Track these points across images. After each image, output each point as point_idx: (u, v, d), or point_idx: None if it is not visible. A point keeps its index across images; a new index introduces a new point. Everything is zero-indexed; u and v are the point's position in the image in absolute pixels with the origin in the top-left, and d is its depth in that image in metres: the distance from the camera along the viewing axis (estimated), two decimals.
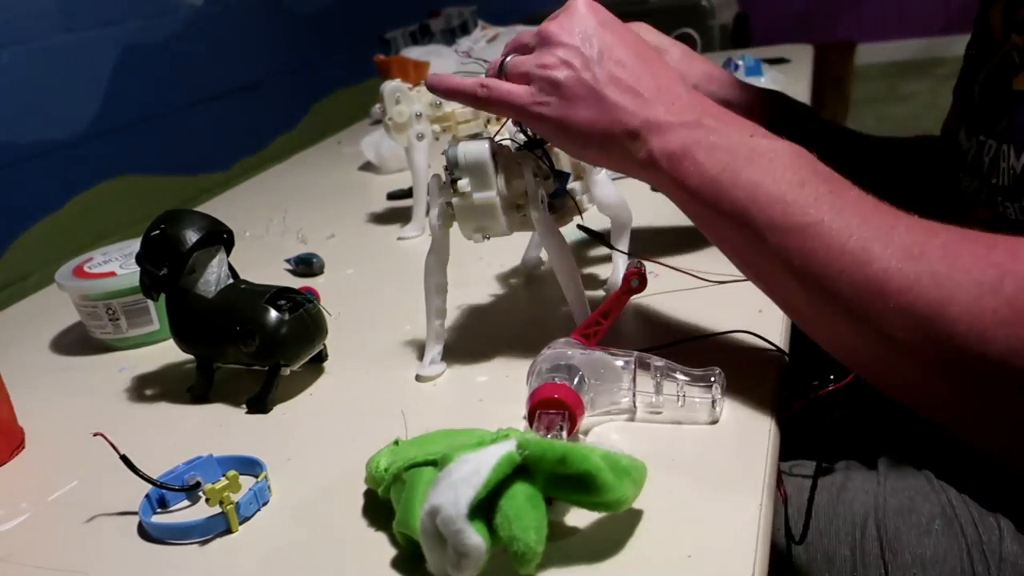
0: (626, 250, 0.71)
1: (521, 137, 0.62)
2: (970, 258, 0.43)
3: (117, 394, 0.71)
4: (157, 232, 0.64)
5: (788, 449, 0.58)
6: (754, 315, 0.62)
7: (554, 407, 0.49)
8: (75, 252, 0.90)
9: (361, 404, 0.63)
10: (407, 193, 1.07)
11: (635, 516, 0.44)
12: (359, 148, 1.31)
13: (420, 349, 0.66)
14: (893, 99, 3.80)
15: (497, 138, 0.61)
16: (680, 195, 0.53)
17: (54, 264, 0.87)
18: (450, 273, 0.64)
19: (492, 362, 0.64)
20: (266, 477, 0.53)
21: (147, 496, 0.52)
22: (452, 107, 0.92)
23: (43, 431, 0.67)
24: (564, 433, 0.48)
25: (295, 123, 1.92)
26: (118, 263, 0.79)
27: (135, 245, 0.74)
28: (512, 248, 0.79)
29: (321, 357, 0.68)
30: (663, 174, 0.52)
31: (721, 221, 0.51)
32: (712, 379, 0.52)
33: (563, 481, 0.40)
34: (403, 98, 0.95)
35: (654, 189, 0.56)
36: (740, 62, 1.40)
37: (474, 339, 0.69)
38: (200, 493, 0.52)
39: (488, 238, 0.62)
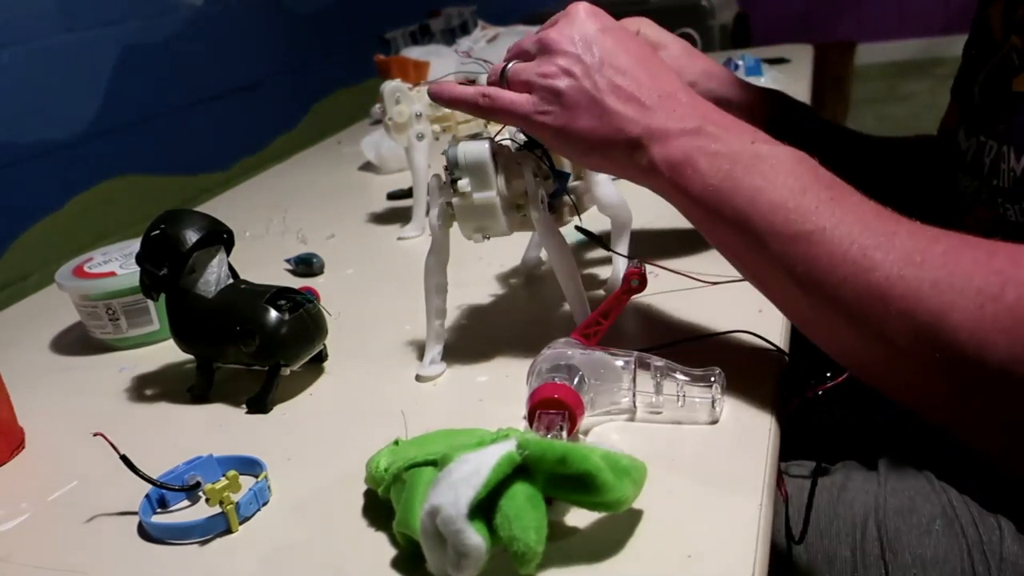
0: (626, 250, 0.71)
1: (521, 137, 0.62)
2: (971, 265, 0.43)
3: (117, 394, 0.71)
4: (157, 232, 0.64)
5: (788, 449, 0.58)
6: (754, 315, 0.62)
7: (554, 407, 0.49)
8: (75, 252, 0.90)
9: (361, 404, 0.63)
10: (407, 193, 1.07)
11: (635, 516, 0.44)
12: (359, 148, 1.31)
13: (420, 349, 0.66)
14: (893, 99, 3.80)
15: (497, 138, 0.61)
16: (682, 202, 0.53)
17: (54, 264, 0.87)
18: (450, 273, 0.64)
19: (492, 362, 0.64)
20: (266, 477, 0.53)
21: (147, 496, 0.52)
22: None
23: (43, 431, 0.67)
24: (564, 433, 0.48)
25: (295, 123, 1.92)
26: (118, 263, 0.79)
27: (135, 245, 0.74)
28: (512, 248, 0.79)
29: (321, 357, 0.68)
30: (665, 181, 0.53)
31: (723, 227, 0.51)
32: (712, 379, 0.52)
33: (563, 481, 0.40)
34: (403, 98, 0.95)
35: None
36: (740, 62, 1.40)
37: (474, 339, 0.69)
38: (200, 493, 0.52)
39: (488, 238, 0.62)
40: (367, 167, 1.32)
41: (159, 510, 0.53)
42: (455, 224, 0.62)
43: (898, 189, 0.61)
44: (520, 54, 0.58)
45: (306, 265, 0.90)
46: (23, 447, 0.65)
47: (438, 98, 0.60)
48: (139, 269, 0.66)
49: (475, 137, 0.60)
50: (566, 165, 0.65)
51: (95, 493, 0.57)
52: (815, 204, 0.47)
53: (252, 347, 0.62)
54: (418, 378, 0.64)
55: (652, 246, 0.80)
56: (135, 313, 0.77)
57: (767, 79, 1.37)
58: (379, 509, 0.48)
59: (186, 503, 0.54)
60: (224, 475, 0.49)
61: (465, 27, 2.18)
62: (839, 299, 0.46)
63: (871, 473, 0.63)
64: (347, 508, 0.50)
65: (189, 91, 1.60)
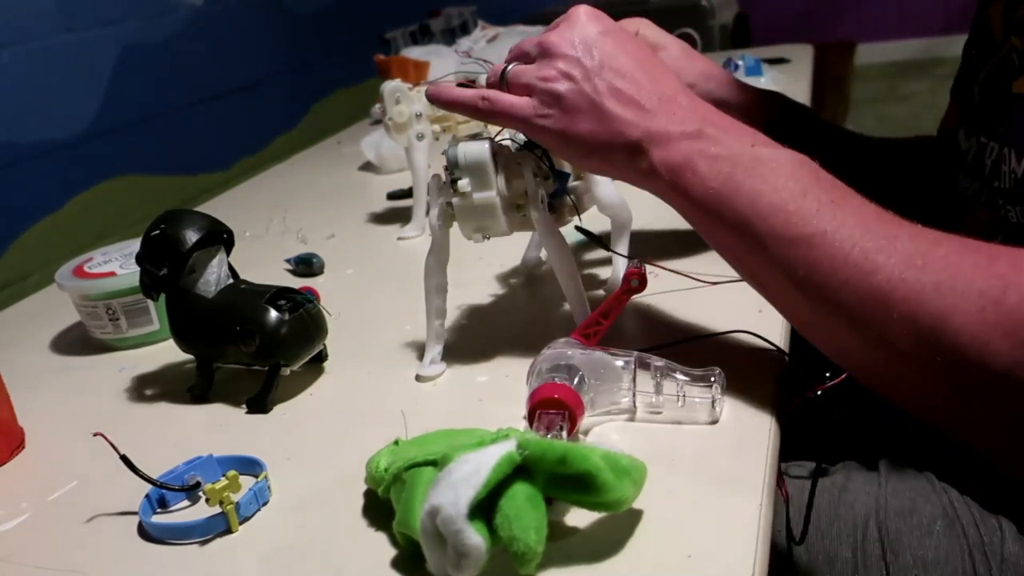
0: (626, 250, 0.71)
1: (521, 137, 0.62)
2: (973, 268, 0.43)
3: (117, 394, 0.71)
4: (157, 232, 0.64)
5: (788, 449, 0.58)
6: (754, 315, 0.62)
7: (554, 407, 0.49)
8: (75, 252, 0.90)
9: (361, 404, 0.63)
10: (407, 193, 1.07)
11: (635, 516, 0.44)
12: (359, 148, 1.31)
13: (420, 349, 0.66)
14: (893, 99, 3.80)
15: (497, 138, 0.61)
16: (682, 205, 0.53)
17: (54, 264, 0.87)
18: (450, 273, 0.64)
19: (492, 362, 0.64)
20: (266, 477, 0.53)
21: (147, 496, 0.52)
22: None
23: (43, 431, 0.67)
24: (564, 433, 0.48)
25: (295, 123, 1.92)
26: (118, 263, 0.79)
27: (135, 245, 0.74)
28: (512, 248, 0.79)
29: (321, 357, 0.68)
30: (665, 184, 0.53)
31: (723, 230, 0.51)
32: (712, 379, 0.52)
33: (563, 481, 0.40)
34: (403, 98, 0.95)
35: None
36: (740, 62, 1.40)
37: (474, 339, 0.69)
38: (200, 493, 0.52)
39: (488, 238, 0.62)
40: (367, 167, 1.32)
41: (159, 510, 0.53)
42: (455, 224, 0.62)
43: (898, 190, 0.61)
44: (520, 56, 0.58)
45: (306, 265, 0.90)
46: (23, 447, 0.65)
47: (436, 100, 0.60)
48: (139, 269, 0.66)
49: (475, 137, 0.60)
50: (566, 165, 0.65)
51: (95, 493, 0.57)
52: (816, 207, 0.47)
53: (252, 347, 0.62)
54: (418, 378, 0.64)
55: (652, 246, 0.80)
56: (135, 313, 0.77)
57: (767, 79, 1.37)
58: (379, 509, 0.48)
59: (186, 503, 0.54)
60: (224, 475, 0.49)
61: (465, 27, 2.18)
62: (840, 302, 0.46)
63: (872, 474, 0.63)
64: (347, 508, 0.50)
65: (189, 91, 1.60)
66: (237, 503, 0.49)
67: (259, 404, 0.63)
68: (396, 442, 0.50)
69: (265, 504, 0.52)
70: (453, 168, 0.59)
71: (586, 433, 0.53)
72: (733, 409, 0.53)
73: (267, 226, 1.08)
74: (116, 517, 0.53)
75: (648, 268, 0.62)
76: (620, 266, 0.71)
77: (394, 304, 0.79)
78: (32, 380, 0.76)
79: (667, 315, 0.67)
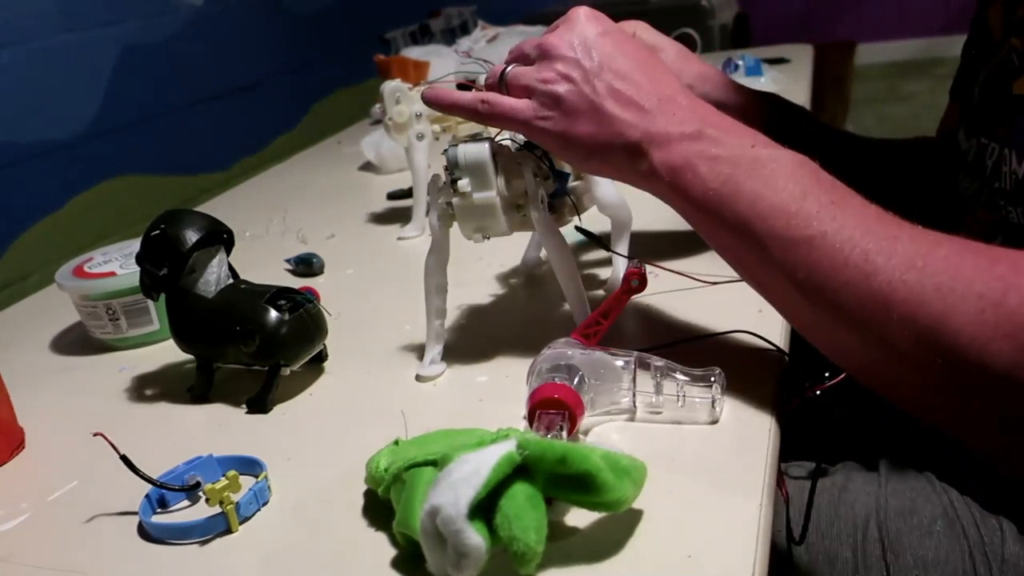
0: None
1: (521, 137, 0.62)
2: (973, 270, 0.43)
3: (117, 394, 0.71)
4: (157, 232, 0.64)
5: (788, 449, 0.58)
6: (754, 315, 0.62)
7: (554, 407, 0.49)
8: (75, 252, 0.90)
9: (361, 404, 0.63)
10: (407, 193, 1.07)
11: (635, 516, 0.44)
12: (359, 148, 1.31)
13: (420, 349, 0.66)
14: (893, 99, 3.80)
15: (497, 138, 0.61)
16: (682, 206, 0.53)
17: (54, 264, 0.87)
18: (450, 273, 0.64)
19: (492, 362, 0.64)
20: (266, 477, 0.53)
21: (147, 496, 0.52)
22: None
23: (43, 431, 0.67)
24: (564, 433, 0.48)
25: (295, 123, 1.92)
26: (118, 263, 0.79)
27: (135, 245, 0.74)
28: (512, 248, 0.79)
29: (321, 357, 0.68)
30: (665, 186, 0.53)
31: (723, 232, 0.51)
32: (712, 379, 0.52)
33: (563, 481, 0.40)
34: (403, 98, 0.95)
35: None
36: (740, 62, 1.40)
37: (474, 339, 0.69)
38: (200, 493, 0.52)
39: (488, 238, 0.62)
40: (367, 167, 1.32)
41: (159, 510, 0.53)
42: (455, 224, 0.62)
43: (898, 191, 0.61)
44: (520, 58, 0.58)
45: (306, 265, 0.90)
46: (23, 447, 0.65)
47: (435, 103, 0.60)
48: (139, 269, 0.66)
49: (475, 137, 0.60)
50: (566, 165, 0.65)
51: (95, 493, 0.57)
52: (816, 208, 0.47)
53: (252, 347, 0.62)
54: (418, 378, 0.64)
55: (652, 246, 0.80)
56: (135, 313, 0.77)
57: (767, 79, 1.37)
58: (379, 509, 0.48)
59: (186, 503, 0.54)
60: (224, 475, 0.49)
61: (465, 27, 2.18)
62: (840, 303, 0.46)
63: (872, 474, 0.63)
64: (347, 508, 0.50)
65: (189, 91, 1.60)
66: (237, 503, 0.49)
67: (259, 404, 0.63)
68: (396, 442, 0.50)
69: (265, 504, 0.52)
70: (453, 168, 0.59)
71: (586, 433, 0.53)
72: (733, 409, 0.53)
73: (267, 226, 1.08)
74: (116, 517, 0.53)
75: (648, 268, 0.62)
76: (620, 266, 0.71)
77: (394, 304, 0.79)
78: (32, 380, 0.76)
79: (667, 315, 0.67)
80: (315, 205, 1.19)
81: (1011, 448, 0.45)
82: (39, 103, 1.29)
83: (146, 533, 0.51)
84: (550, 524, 0.40)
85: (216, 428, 0.62)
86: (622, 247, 0.72)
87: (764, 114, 0.75)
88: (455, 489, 0.39)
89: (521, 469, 0.40)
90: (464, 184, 0.58)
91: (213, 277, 0.65)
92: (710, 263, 0.68)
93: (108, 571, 0.49)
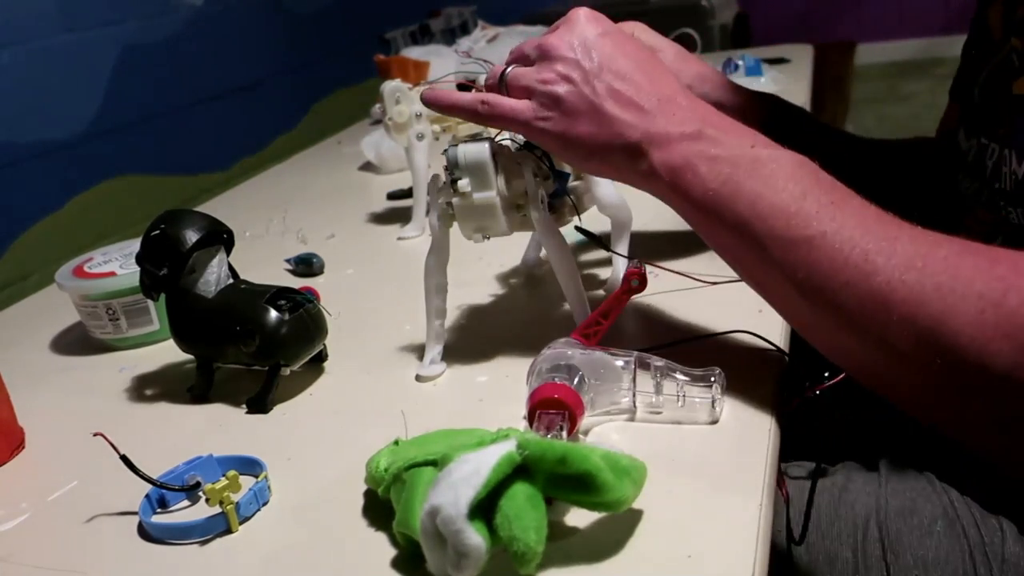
0: (626, 250, 0.71)
1: (521, 137, 0.62)
2: (973, 270, 0.43)
3: (117, 394, 0.71)
4: (157, 232, 0.64)
5: (788, 449, 0.58)
6: (754, 315, 0.61)
7: (554, 407, 0.49)
8: (75, 252, 0.90)
9: (361, 404, 0.63)
10: (407, 193, 1.07)
11: (635, 516, 0.44)
12: (359, 148, 1.31)
13: (420, 349, 0.66)
14: (893, 99, 3.80)
15: (497, 138, 0.61)
16: (682, 206, 0.53)
17: (54, 264, 0.87)
18: (450, 273, 0.64)
19: (492, 362, 0.64)
20: (266, 477, 0.53)
21: (147, 496, 0.52)
22: None
23: (43, 431, 0.67)
24: (564, 433, 0.48)
25: (295, 123, 1.92)
26: (118, 263, 0.79)
27: (135, 245, 0.74)
28: (512, 248, 0.79)
29: (321, 357, 0.68)
30: (665, 186, 0.53)
31: (723, 232, 0.51)
32: (712, 379, 0.52)
33: (563, 481, 0.40)
34: (403, 98, 0.95)
35: None
36: (740, 62, 1.40)
37: (474, 339, 0.69)
38: (200, 493, 0.52)
39: (488, 238, 0.62)
40: (367, 167, 1.32)
41: (159, 510, 0.53)
42: (455, 224, 0.62)
43: (897, 191, 0.62)
44: (520, 59, 0.58)
45: (306, 265, 0.90)
46: (23, 447, 0.65)
47: (434, 104, 0.60)
48: (139, 269, 0.66)
49: (475, 137, 0.60)
50: (566, 165, 0.65)
51: (95, 493, 0.57)
52: (816, 208, 0.47)
53: (252, 347, 0.62)
54: (418, 378, 0.64)
55: (652, 246, 0.80)
56: (135, 313, 0.77)
57: (767, 79, 1.37)
58: (379, 509, 0.48)
59: (186, 503, 0.54)
60: (224, 475, 0.49)
61: (465, 27, 2.18)
62: (840, 304, 0.46)
63: (872, 474, 0.63)
64: (347, 508, 0.50)
65: (189, 91, 1.60)
66: (237, 503, 0.49)
67: (259, 404, 0.63)
68: (396, 442, 0.50)
69: (265, 504, 0.52)
70: (453, 168, 0.59)
71: (586, 433, 0.53)
72: (733, 409, 0.53)
73: (267, 226, 1.08)
74: (116, 517, 0.53)
75: (648, 268, 0.62)
76: (620, 266, 0.71)
77: (394, 304, 0.79)
78: (32, 380, 0.76)
79: (667, 315, 0.67)
80: (315, 205, 1.19)
81: (1011, 448, 0.45)
82: (39, 103, 1.29)
83: (146, 533, 0.51)
84: (550, 524, 0.40)
85: (216, 428, 0.62)
86: (622, 247, 0.72)
87: (763, 114, 0.75)
88: (455, 489, 0.39)
89: (521, 469, 0.40)
90: (464, 184, 0.58)
91: (213, 277, 0.65)
92: (710, 263, 0.68)
93: (108, 571, 0.49)
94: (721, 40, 2.66)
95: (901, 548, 0.56)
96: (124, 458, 0.52)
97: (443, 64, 1.53)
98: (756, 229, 0.49)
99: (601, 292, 0.73)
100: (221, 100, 1.68)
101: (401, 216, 1.05)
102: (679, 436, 0.52)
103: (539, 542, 0.39)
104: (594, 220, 0.69)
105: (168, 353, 0.74)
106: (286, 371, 0.63)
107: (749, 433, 0.51)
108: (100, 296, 0.77)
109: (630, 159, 0.53)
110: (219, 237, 0.66)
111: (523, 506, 0.39)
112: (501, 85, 0.57)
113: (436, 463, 0.44)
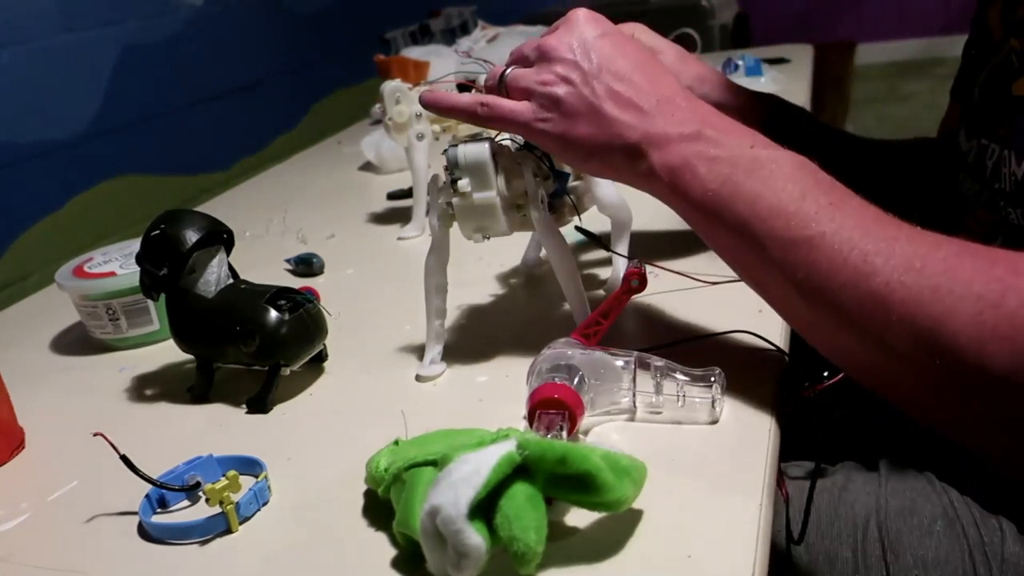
0: (626, 250, 0.71)
1: (521, 137, 0.62)
2: (972, 272, 0.43)
3: (117, 394, 0.71)
4: (157, 232, 0.64)
5: (788, 449, 0.58)
6: (754, 315, 0.62)
7: (554, 407, 0.49)
8: (75, 252, 0.90)
9: (361, 404, 0.63)
10: (407, 193, 1.07)
11: (635, 516, 0.44)
12: (359, 148, 1.31)
13: (420, 349, 0.66)
14: (893, 99, 3.80)
15: (497, 138, 0.61)
16: (681, 207, 0.53)
17: (54, 264, 0.87)
18: (450, 273, 0.64)
19: (492, 362, 0.64)
20: (266, 477, 0.53)
21: (147, 496, 0.52)
22: None
23: (43, 431, 0.67)
24: (564, 433, 0.48)
25: (295, 123, 1.92)
26: (118, 263, 0.79)
27: (135, 245, 0.74)
28: (512, 248, 0.79)
29: (321, 357, 0.68)
30: (664, 187, 0.53)
31: (722, 232, 0.51)
32: (712, 379, 0.52)
33: (563, 481, 0.40)
34: (403, 98, 0.95)
35: None
36: (740, 62, 1.40)
37: (474, 339, 0.69)
38: (200, 493, 0.52)
39: (488, 238, 0.62)
40: (367, 167, 1.32)
41: (159, 510, 0.53)
42: (455, 224, 0.62)
43: (897, 192, 0.61)
44: (519, 60, 0.58)
45: (306, 265, 0.90)
46: (23, 447, 0.65)
47: (433, 106, 0.60)
48: (139, 269, 0.66)
49: (475, 137, 0.60)
50: (566, 165, 0.65)
51: (95, 493, 0.57)
52: (815, 209, 0.47)
53: (252, 347, 0.62)
54: (418, 378, 0.64)
55: (652, 246, 0.80)
56: (135, 313, 0.77)
57: (767, 79, 1.37)
58: (379, 509, 0.48)
59: (186, 503, 0.54)
60: (224, 475, 0.49)
61: (465, 27, 2.18)
62: (839, 304, 0.46)
63: (872, 474, 0.63)
64: (347, 508, 0.50)
65: (189, 91, 1.60)
66: (237, 503, 0.49)
67: (259, 404, 0.63)
68: (396, 442, 0.50)
69: (265, 504, 0.52)
70: (453, 168, 0.59)
71: (586, 433, 0.53)
72: (733, 409, 0.53)
73: (267, 226, 1.08)
74: (116, 517, 0.53)
75: (648, 268, 0.62)
76: (620, 266, 0.71)
77: (394, 304, 0.79)
78: (32, 380, 0.76)
79: (667, 315, 0.67)
80: (315, 205, 1.19)
81: (1010, 448, 0.45)
82: (39, 103, 1.29)
83: (146, 533, 0.51)
84: (550, 524, 0.40)
85: (216, 428, 0.62)
86: (622, 247, 0.72)
87: (763, 115, 0.75)
88: (455, 489, 0.39)
89: (521, 469, 0.40)
90: (464, 184, 0.58)
91: (213, 277, 0.65)
92: (710, 263, 0.68)
93: (108, 571, 0.49)
94: (721, 40, 2.66)
95: (901, 548, 0.56)
96: (124, 458, 0.52)
97: (443, 64, 1.53)
98: (755, 229, 0.49)
99: (601, 292, 0.73)
100: (221, 100, 1.68)
101: (401, 216, 1.05)
102: (679, 436, 0.52)
103: (539, 542, 0.39)
104: (594, 220, 0.69)
105: (168, 353, 0.74)
106: (286, 371, 0.63)
107: (749, 433, 0.51)
108: (100, 296, 0.77)
109: (629, 160, 0.53)
110: (219, 237, 0.66)
111: (523, 506, 0.39)
112: (500, 86, 0.58)
113: (436, 463, 0.44)
